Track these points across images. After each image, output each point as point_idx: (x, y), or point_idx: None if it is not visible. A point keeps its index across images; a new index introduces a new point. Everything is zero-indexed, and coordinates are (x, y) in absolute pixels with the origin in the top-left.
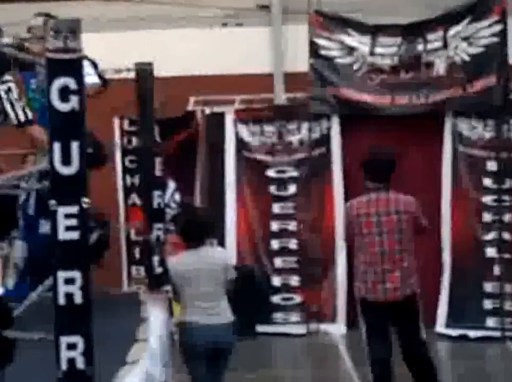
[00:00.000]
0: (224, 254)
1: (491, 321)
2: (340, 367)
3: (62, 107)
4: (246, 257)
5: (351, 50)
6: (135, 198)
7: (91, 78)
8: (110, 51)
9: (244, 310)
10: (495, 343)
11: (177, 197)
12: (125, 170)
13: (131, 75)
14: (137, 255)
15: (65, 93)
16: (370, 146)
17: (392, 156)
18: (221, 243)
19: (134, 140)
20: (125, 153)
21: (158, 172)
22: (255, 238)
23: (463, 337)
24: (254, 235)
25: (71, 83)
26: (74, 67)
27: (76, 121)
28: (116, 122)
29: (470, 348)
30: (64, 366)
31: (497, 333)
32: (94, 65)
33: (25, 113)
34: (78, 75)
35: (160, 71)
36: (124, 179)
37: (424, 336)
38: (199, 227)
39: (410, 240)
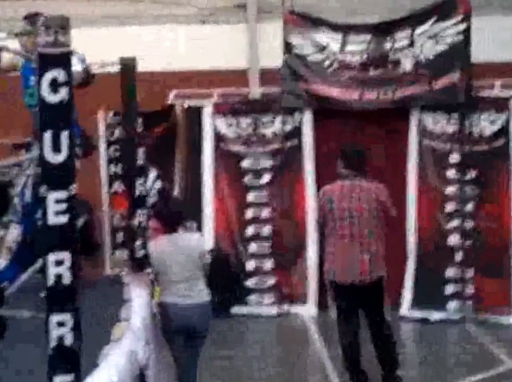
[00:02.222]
0: (200, 239)
1: (452, 305)
2: (311, 347)
3: (52, 98)
4: (222, 242)
5: (322, 47)
6: (118, 186)
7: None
8: (95, 47)
9: (219, 292)
10: (455, 325)
11: (158, 185)
12: (109, 159)
13: (116, 69)
14: (120, 240)
15: (54, 85)
16: (341, 144)
17: (364, 152)
18: (199, 230)
19: (117, 131)
20: (109, 143)
21: (140, 161)
22: (231, 225)
23: (426, 320)
24: (230, 222)
25: (61, 76)
26: (63, 61)
27: (65, 112)
28: (101, 114)
29: (432, 330)
30: (53, 342)
31: (457, 316)
32: (82, 59)
33: None
34: (67, 68)
35: (142, 66)
36: (108, 167)
37: (387, 318)
38: (177, 214)
39: (379, 226)
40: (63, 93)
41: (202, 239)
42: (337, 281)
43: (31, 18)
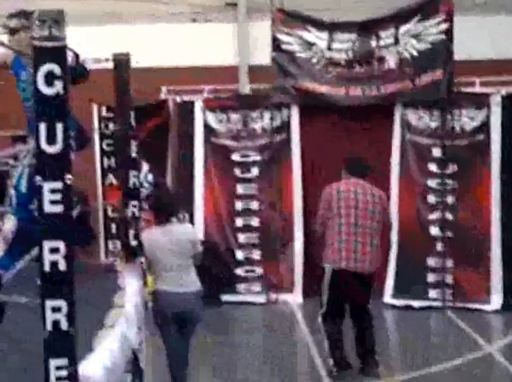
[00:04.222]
0: (191, 230)
1: (433, 293)
2: (297, 333)
3: (48, 91)
4: (213, 233)
5: (310, 45)
6: (112, 178)
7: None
8: (90, 43)
9: (209, 280)
10: (436, 312)
11: (150, 177)
12: (103, 153)
13: (110, 65)
14: (113, 230)
15: (50, 78)
16: (348, 153)
17: (369, 166)
18: (191, 221)
19: (111, 126)
20: (102, 137)
21: (133, 154)
22: (221, 216)
23: (408, 307)
24: (220, 214)
25: (56, 69)
26: (58, 54)
27: (60, 104)
28: (95, 108)
29: (414, 317)
30: (49, 327)
31: (438, 304)
32: (76, 55)
33: None
34: (62, 61)
35: (135, 62)
36: (101, 160)
37: (369, 307)
38: (169, 206)
39: (379, 223)
40: (58, 86)
41: (194, 230)
42: (340, 269)
43: (17, 15)
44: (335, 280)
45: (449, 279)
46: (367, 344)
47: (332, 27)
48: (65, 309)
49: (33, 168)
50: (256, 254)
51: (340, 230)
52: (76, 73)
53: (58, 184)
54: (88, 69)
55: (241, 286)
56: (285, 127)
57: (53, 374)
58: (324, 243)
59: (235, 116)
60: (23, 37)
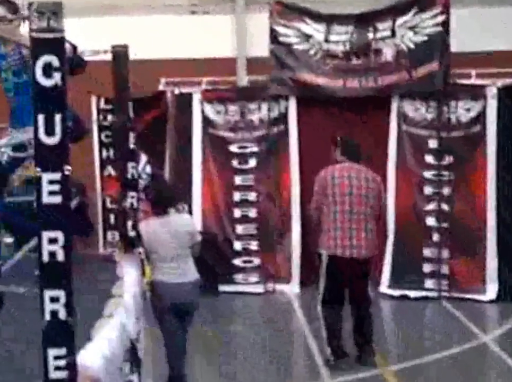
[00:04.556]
0: (189, 221)
1: (429, 283)
2: (294, 322)
3: (46, 83)
4: (211, 224)
5: (307, 37)
6: (110, 170)
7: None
8: (88, 35)
9: (207, 271)
10: (432, 302)
11: (148, 169)
12: (101, 144)
13: (108, 57)
14: (112, 221)
15: (48, 70)
16: (337, 134)
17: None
18: (189, 212)
19: (110, 117)
20: (101, 128)
21: (131, 146)
22: (219, 207)
23: (404, 297)
24: (218, 205)
25: (54, 60)
26: (56, 46)
27: (59, 96)
28: (93, 100)
29: (410, 307)
30: (47, 317)
31: (434, 294)
32: (74, 47)
33: None
34: (60, 53)
35: (134, 54)
36: (100, 152)
37: (370, 294)
38: (167, 197)
39: (374, 208)
40: (57, 78)
41: (192, 220)
42: (336, 256)
43: (1, 3)
44: (332, 267)
45: (445, 269)
46: (365, 332)
47: (329, 19)
48: (63, 299)
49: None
50: (253, 245)
51: (335, 218)
52: (73, 64)
53: (57, 175)
54: (85, 60)
55: (239, 276)
56: (282, 118)
57: (51, 363)
58: (319, 228)
59: (232, 107)
60: (8, 26)
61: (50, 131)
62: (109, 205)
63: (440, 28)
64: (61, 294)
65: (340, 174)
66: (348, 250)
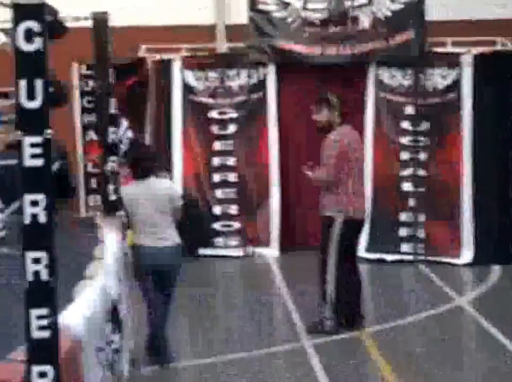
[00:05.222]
0: (170, 185)
1: (405, 247)
2: (273, 285)
3: (27, 48)
4: (191, 189)
5: (286, 4)
6: (92, 135)
7: None
8: (69, 2)
9: (188, 234)
10: (408, 266)
11: (129, 134)
12: (83, 110)
13: (89, 23)
14: (93, 185)
15: (29, 35)
16: (320, 93)
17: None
18: (170, 179)
19: (91, 83)
20: (83, 94)
21: (112, 111)
22: (199, 171)
23: (381, 261)
24: (198, 170)
25: (35, 26)
26: (37, 11)
27: (40, 61)
28: (75, 66)
29: (387, 270)
30: (30, 277)
31: (410, 257)
32: (54, 12)
33: None
34: (41, 18)
35: (114, 21)
36: (82, 117)
37: None
38: (147, 161)
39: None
40: (38, 43)
41: (173, 184)
42: (353, 219)
43: None
44: (348, 230)
45: (421, 233)
46: (361, 295)
47: None
48: (45, 260)
49: None
50: (233, 209)
51: (354, 184)
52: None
53: (38, 139)
54: (66, 26)
55: (218, 240)
56: (261, 85)
57: (34, 323)
58: (330, 191)
59: (212, 74)
60: None
61: (31, 96)
62: (91, 169)
63: None
64: (43, 255)
65: (352, 138)
66: (365, 213)
